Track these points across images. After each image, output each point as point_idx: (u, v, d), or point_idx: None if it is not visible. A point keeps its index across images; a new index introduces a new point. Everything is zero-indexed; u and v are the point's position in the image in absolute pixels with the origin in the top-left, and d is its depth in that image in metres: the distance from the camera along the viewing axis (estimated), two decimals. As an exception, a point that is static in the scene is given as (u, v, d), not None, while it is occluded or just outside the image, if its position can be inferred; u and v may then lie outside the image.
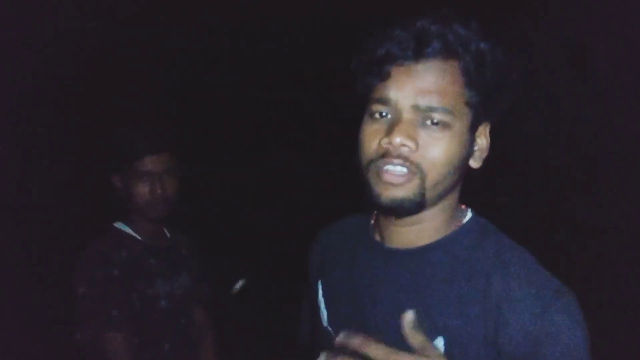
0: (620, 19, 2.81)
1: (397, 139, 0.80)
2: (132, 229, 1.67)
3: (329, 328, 0.99)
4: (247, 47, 4.54)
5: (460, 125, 0.83)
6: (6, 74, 3.07)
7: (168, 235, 1.80)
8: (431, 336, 0.82)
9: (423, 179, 0.82)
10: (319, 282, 1.05)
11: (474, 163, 0.90)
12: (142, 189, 1.59)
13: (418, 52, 0.81)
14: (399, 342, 0.84)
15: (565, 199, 3.33)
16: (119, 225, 1.68)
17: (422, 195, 0.82)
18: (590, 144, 3.14)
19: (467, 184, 0.94)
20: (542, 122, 3.38)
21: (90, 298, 1.52)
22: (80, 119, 3.56)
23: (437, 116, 0.81)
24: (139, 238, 1.67)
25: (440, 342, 0.82)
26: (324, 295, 1.03)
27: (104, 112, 3.20)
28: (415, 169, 0.81)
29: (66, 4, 3.23)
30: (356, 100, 0.91)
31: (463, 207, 0.95)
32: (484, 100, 0.84)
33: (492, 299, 0.80)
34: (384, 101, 0.83)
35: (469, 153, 0.87)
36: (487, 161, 0.92)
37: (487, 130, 0.90)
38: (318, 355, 1.00)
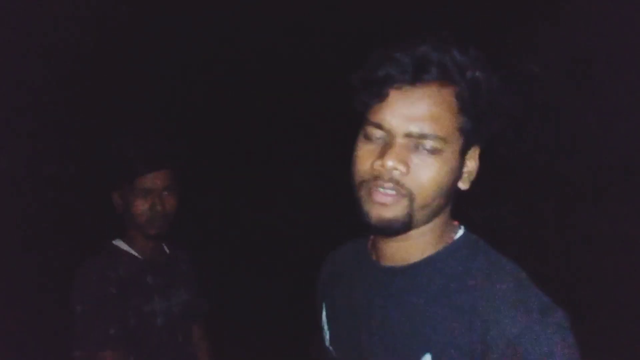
0: (623, 31, 2.82)
1: (390, 163, 0.82)
2: (129, 245, 1.67)
3: (330, 348, 1.02)
4: (247, 51, 4.55)
5: (451, 150, 0.85)
6: (4, 84, 3.07)
7: (167, 250, 1.80)
8: (419, 352, 0.84)
9: (412, 201, 0.84)
10: (323, 304, 1.08)
11: (462, 185, 0.92)
12: (142, 206, 1.59)
13: (416, 77, 0.84)
14: (393, 357, 0.88)
15: (571, 208, 3.32)
16: (116, 242, 1.68)
17: (410, 216, 0.85)
18: (595, 154, 3.13)
19: (467, 199, 0.95)
20: (547, 132, 3.38)
21: (87, 316, 1.51)
22: (78, 132, 3.55)
23: (429, 143, 0.83)
24: (137, 255, 1.67)
25: (427, 359, 0.84)
26: (327, 316, 1.06)
27: (104, 124, 3.20)
28: (405, 191, 0.84)
29: (62, 14, 3.23)
30: (353, 113, 0.93)
31: (455, 223, 0.96)
32: (476, 125, 0.87)
33: (479, 317, 0.81)
34: (379, 125, 0.85)
35: (457, 176, 0.89)
36: (488, 175, 0.92)
37: (477, 153, 0.93)
38: None
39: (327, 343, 1.03)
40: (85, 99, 3.61)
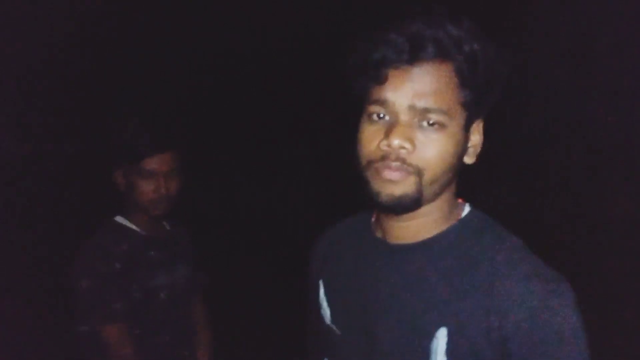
0: (622, 15, 2.80)
1: (396, 141, 0.82)
2: (131, 222, 1.69)
3: (333, 326, 1.02)
4: (247, 42, 4.53)
5: (455, 124, 0.85)
6: (12, 63, 3.05)
7: (167, 227, 1.82)
8: (434, 327, 0.85)
9: (420, 177, 0.84)
10: (320, 282, 1.08)
11: (468, 159, 0.93)
12: (147, 188, 1.60)
13: (413, 56, 0.83)
14: (402, 334, 0.89)
15: (567, 193, 3.33)
16: (118, 219, 1.69)
17: (420, 192, 0.85)
18: (592, 139, 3.13)
19: (469, 180, 0.96)
20: (544, 117, 3.37)
21: (92, 291, 1.53)
22: (83, 112, 3.54)
23: (433, 117, 0.83)
24: (139, 231, 1.69)
25: (443, 332, 0.85)
26: (325, 294, 1.05)
27: (109, 106, 3.19)
28: (413, 169, 0.84)
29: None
30: (351, 99, 0.93)
31: (460, 201, 0.97)
32: (477, 98, 0.87)
33: (494, 292, 0.82)
34: (381, 102, 0.85)
35: (463, 150, 0.90)
36: (489, 157, 0.95)
37: (481, 126, 0.93)
38: (322, 352, 1.02)
39: (328, 321, 1.03)
40: (90, 82, 3.60)
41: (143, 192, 1.60)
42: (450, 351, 0.84)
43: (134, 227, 1.68)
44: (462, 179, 0.95)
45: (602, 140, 3.09)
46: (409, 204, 0.86)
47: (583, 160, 3.25)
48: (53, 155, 3.52)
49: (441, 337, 0.84)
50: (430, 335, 0.85)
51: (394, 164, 0.83)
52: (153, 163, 1.58)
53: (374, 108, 0.86)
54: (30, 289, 3.08)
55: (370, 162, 0.86)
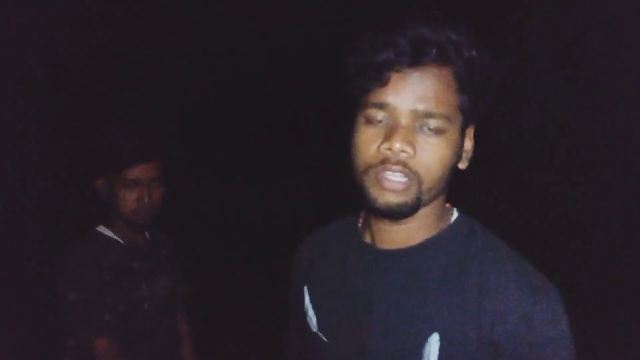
0: (613, 15, 2.81)
1: (397, 145, 0.81)
2: (113, 232, 1.66)
3: (319, 333, 1.00)
4: (246, 41, 4.52)
5: (453, 130, 0.85)
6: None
7: (148, 236, 1.79)
8: (426, 333, 0.85)
9: (420, 185, 0.84)
10: (305, 288, 1.05)
11: (462, 165, 0.93)
12: (129, 197, 1.58)
13: (416, 59, 0.83)
14: (394, 340, 0.88)
15: (558, 194, 3.33)
16: (100, 229, 1.66)
17: (419, 199, 0.85)
18: (583, 140, 3.14)
19: (461, 183, 0.96)
20: (535, 118, 3.38)
21: (82, 303, 1.49)
22: (65, 120, 3.50)
23: (433, 122, 0.83)
24: (121, 242, 1.66)
25: (435, 338, 0.84)
26: (311, 301, 1.03)
27: (91, 114, 3.16)
28: (413, 175, 0.83)
29: (61, 7, 3.18)
30: (345, 99, 0.91)
31: (448, 206, 0.97)
32: (473, 103, 0.87)
33: (485, 297, 0.82)
34: (382, 106, 0.84)
35: (459, 156, 0.90)
36: (482, 159, 0.93)
37: (472, 132, 0.93)
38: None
39: (315, 329, 1.01)
40: (74, 92, 3.56)
41: (126, 201, 1.58)
42: (442, 356, 0.83)
43: (116, 237, 1.65)
44: (454, 182, 0.94)
45: (597, 141, 3.10)
46: (407, 211, 0.85)
47: (576, 162, 3.26)
48: (34, 165, 3.46)
49: (433, 342, 0.84)
50: (422, 341, 0.85)
51: (395, 167, 0.82)
52: (136, 172, 1.56)
53: (373, 111, 0.85)
54: (10, 301, 3.01)
55: (369, 167, 0.84)
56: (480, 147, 0.95)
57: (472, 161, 0.94)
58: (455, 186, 0.95)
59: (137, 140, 1.58)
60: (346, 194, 0.96)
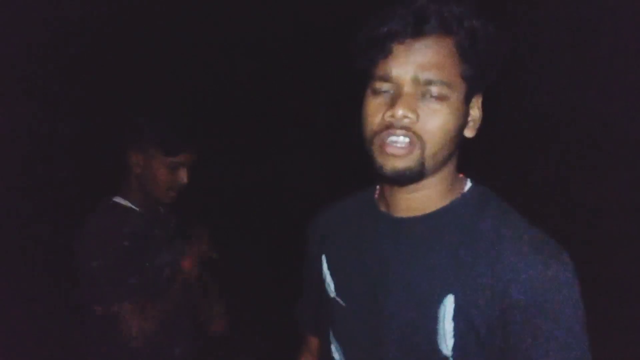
0: (626, 6, 2.77)
1: (400, 111, 0.86)
2: (130, 202, 1.70)
3: (337, 298, 1.04)
4: (248, 34, 4.49)
5: (456, 97, 0.89)
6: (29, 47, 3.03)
7: (161, 209, 1.85)
8: (441, 294, 0.88)
9: (423, 149, 0.88)
10: (323, 256, 1.10)
11: (469, 133, 0.96)
12: (168, 177, 1.67)
13: (417, 29, 0.87)
14: (409, 302, 0.91)
15: (567, 179, 3.32)
16: (116, 199, 1.70)
17: (422, 164, 0.89)
18: (593, 125, 3.12)
19: (469, 164, 0.99)
20: (544, 102, 3.36)
21: (105, 269, 1.54)
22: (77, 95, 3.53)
23: (435, 89, 0.87)
24: (139, 210, 1.71)
25: (450, 299, 0.88)
26: (329, 268, 1.08)
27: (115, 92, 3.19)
28: (416, 139, 0.87)
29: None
30: (355, 75, 0.96)
31: (461, 176, 1.01)
32: (477, 73, 0.90)
33: (499, 262, 0.85)
34: (386, 78, 0.89)
35: (464, 123, 0.93)
36: (487, 141, 0.95)
37: (480, 101, 0.97)
38: (325, 325, 1.03)
39: (333, 294, 1.06)
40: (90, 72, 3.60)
41: (162, 181, 1.67)
42: (457, 317, 0.87)
43: (133, 206, 1.70)
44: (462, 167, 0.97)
45: (602, 131, 3.08)
46: (412, 176, 0.89)
47: (581, 152, 3.25)
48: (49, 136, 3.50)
49: (448, 303, 0.88)
50: (437, 303, 0.88)
51: (399, 131, 0.86)
52: (181, 158, 1.67)
53: (379, 83, 0.90)
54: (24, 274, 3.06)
55: (375, 134, 0.89)
56: (484, 137, 0.98)
57: (478, 150, 0.97)
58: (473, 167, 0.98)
59: (190, 130, 1.71)
60: (363, 172, 1.00)
